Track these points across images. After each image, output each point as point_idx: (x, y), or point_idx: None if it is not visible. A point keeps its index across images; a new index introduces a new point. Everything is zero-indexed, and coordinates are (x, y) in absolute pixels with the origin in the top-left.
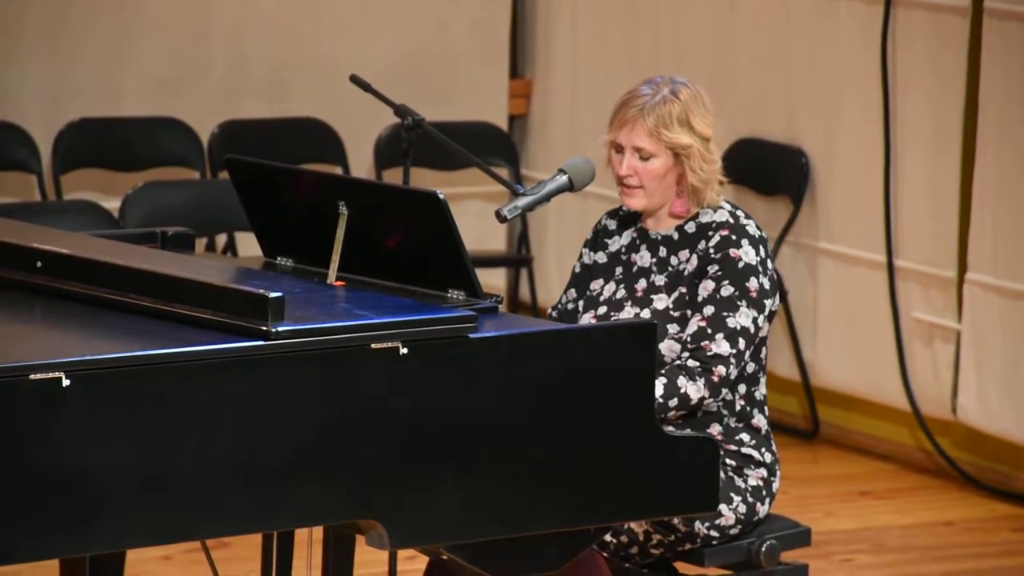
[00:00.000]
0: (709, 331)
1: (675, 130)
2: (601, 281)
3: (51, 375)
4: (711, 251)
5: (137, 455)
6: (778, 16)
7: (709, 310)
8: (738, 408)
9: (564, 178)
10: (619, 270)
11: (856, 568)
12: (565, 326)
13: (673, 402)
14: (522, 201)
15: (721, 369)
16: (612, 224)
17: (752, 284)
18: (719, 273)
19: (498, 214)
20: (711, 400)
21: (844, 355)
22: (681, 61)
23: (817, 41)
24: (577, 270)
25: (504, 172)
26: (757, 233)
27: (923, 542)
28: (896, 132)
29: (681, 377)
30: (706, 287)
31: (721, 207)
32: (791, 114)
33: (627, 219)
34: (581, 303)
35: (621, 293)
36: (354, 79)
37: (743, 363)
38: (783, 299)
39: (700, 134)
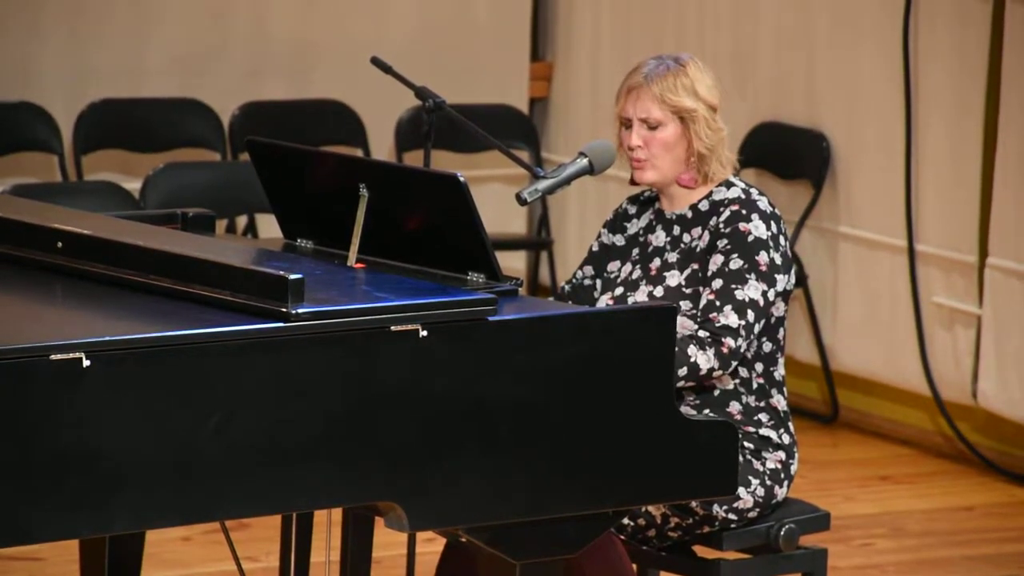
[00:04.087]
0: (717, 303)
1: (680, 94)
2: (618, 263)
3: (71, 355)
4: (721, 226)
5: (157, 436)
6: None
7: (718, 283)
8: (755, 387)
9: (584, 161)
10: (636, 251)
11: (875, 553)
12: (585, 309)
13: (683, 371)
14: (542, 184)
15: (730, 341)
16: (632, 208)
17: (762, 258)
18: (728, 247)
19: (518, 197)
20: (720, 372)
21: (864, 340)
22: (702, 44)
23: (839, 25)
24: (595, 249)
25: (525, 155)
26: (769, 209)
27: (943, 527)
28: (917, 117)
29: (691, 346)
30: (715, 261)
31: (735, 184)
32: (812, 98)
33: (646, 203)
34: (598, 282)
35: (637, 273)
36: (375, 61)
37: (754, 337)
38: (803, 283)
39: (705, 101)
